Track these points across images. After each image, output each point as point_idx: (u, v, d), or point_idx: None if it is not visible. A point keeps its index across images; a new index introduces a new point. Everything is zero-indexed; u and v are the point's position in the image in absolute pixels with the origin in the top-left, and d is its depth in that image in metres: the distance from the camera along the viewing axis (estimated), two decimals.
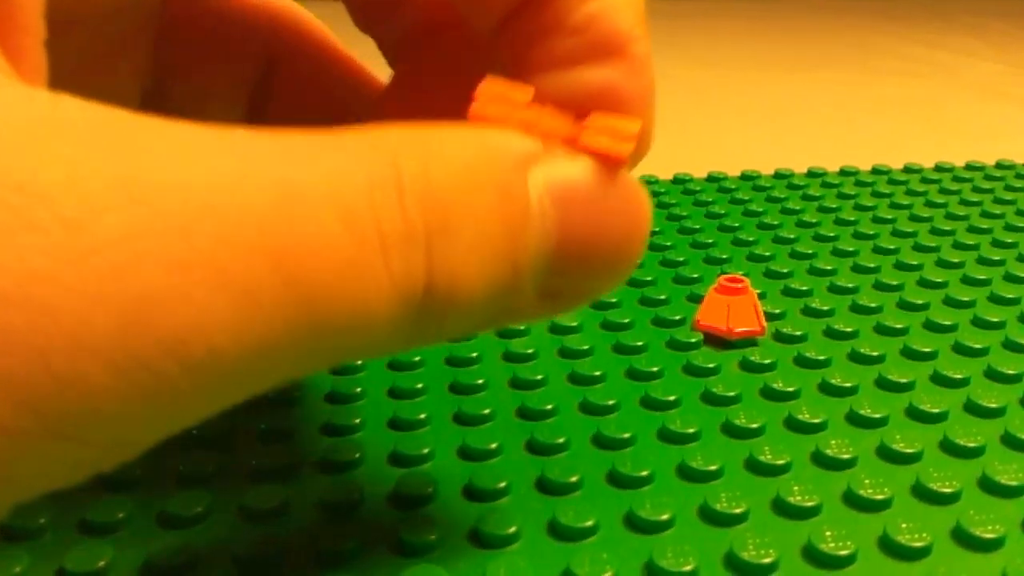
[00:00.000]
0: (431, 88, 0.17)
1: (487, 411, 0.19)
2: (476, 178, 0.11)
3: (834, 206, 0.32)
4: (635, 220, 0.12)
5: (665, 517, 0.16)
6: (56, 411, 0.08)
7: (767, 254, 0.28)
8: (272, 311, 0.09)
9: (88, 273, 0.08)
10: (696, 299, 0.25)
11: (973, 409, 0.19)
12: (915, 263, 0.27)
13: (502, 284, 0.11)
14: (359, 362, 0.21)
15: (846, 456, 0.17)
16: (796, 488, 0.16)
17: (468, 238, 0.11)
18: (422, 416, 0.19)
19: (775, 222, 0.31)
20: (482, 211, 0.11)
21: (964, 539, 0.15)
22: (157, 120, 0.09)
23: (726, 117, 0.51)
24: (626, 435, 0.18)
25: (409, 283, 0.10)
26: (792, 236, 0.29)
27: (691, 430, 0.18)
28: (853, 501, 0.16)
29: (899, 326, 0.23)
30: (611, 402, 0.19)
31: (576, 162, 0.12)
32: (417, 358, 0.21)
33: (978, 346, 0.22)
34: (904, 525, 0.15)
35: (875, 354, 0.21)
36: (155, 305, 0.08)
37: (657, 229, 0.30)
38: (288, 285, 0.09)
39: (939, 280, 0.26)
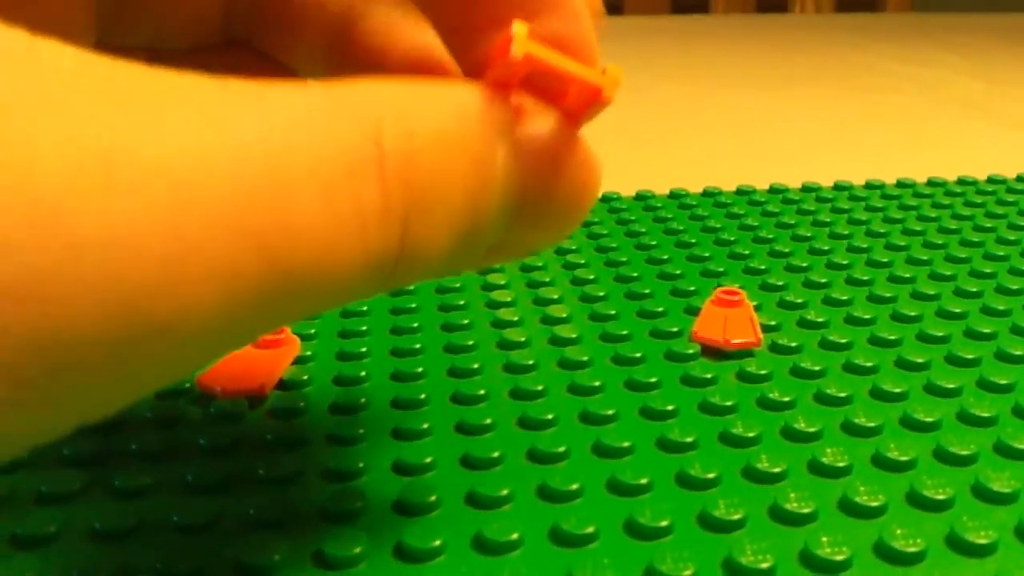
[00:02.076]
0: None
1: (489, 421, 0.19)
2: (453, 150, 0.11)
3: (828, 220, 0.33)
4: (587, 181, 0.13)
5: (664, 524, 0.16)
6: (38, 384, 0.08)
7: (763, 267, 0.28)
8: (254, 288, 0.09)
9: (76, 268, 0.08)
10: (693, 311, 0.25)
11: (966, 418, 0.20)
12: (908, 276, 0.27)
13: (464, 246, 0.12)
14: (363, 373, 0.22)
15: (841, 464, 0.18)
16: (793, 495, 0.17)
17: (441, 213, 0.11)
18: (425, 426, 0.19)
19: (770, 236, 0.31)
20: (456, 185, 0.11)
21: (958, 545, 0.16)
22: (134, 72, 0.09)
23: (720, 134, 0.52)
24: (626, 444, 0.18)
25: (383, 255, 0.11)
26: (787, 250, 0.30)
27: (689, 439, 0.19)
28: (849, 508, 0.17)
29: (893, 337, 0.23)
30: (610, 412, 0.20)
31: (541, 122, 0.12)
32: (419, 369, 0.22)
33: (971, 357, 0.22)
34: (899, 531, 0.16)
35: (869, 365, 0.22)
36: (148, 297, 0.08)
37: (654, 243, 0.31)
38: (270, 264, 0.09)
39: (932, 292, 0.26)
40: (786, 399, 0.20)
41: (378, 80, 0.11)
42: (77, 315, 0.08)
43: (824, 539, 0.16)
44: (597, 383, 0.21)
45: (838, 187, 0.37)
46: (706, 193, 0.36)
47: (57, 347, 0.08)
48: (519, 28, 0.11)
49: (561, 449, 0.18)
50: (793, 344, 0.23)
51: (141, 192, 0.08)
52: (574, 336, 0.23)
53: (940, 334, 0.23)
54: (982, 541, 0.16)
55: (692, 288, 0.27)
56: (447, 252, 0.12)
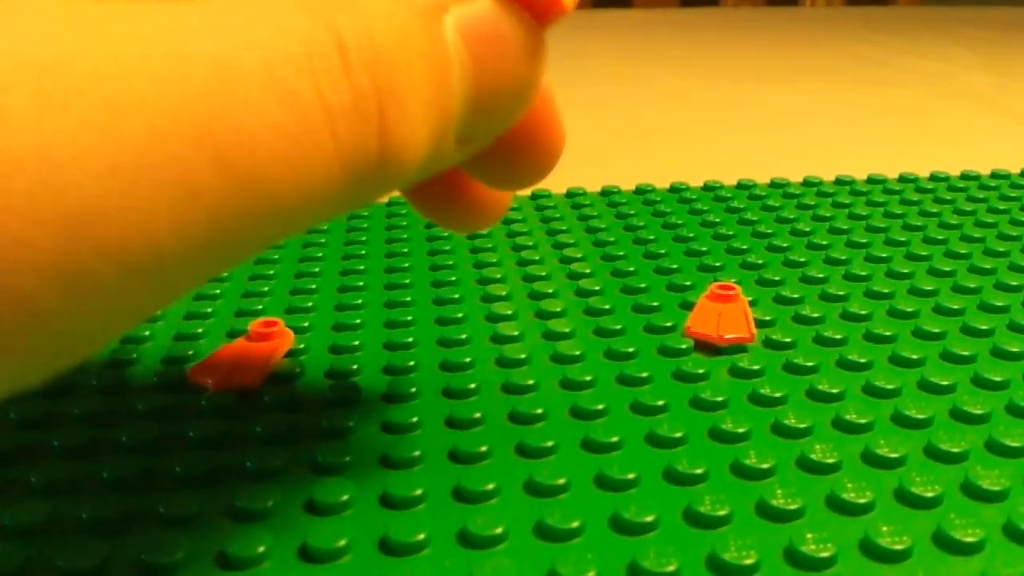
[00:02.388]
0: None
1: (478, 415, 0.19)
2: (410, 35, 0.11)
3: (828, 215, 0.33)
4: (536, 49, 0.12)
5: (649, 519, 0.16)
6: None
7: (760, 262, 0.28)
8: (215, 204, 0.09)
9: (17, 192, 0.08)
10: (688, 306, 0.25)
11: (959, 415, 0.20)
12: (907, 271, 0.27)
13: (439, 139, 0.11)
14: (355, 367, 0.22)
15: (830, 460, 0.18)
16: (780, 491, 0.17)
17: (415, 104, 0.10)
18: (414, 420, 0.19)
19: (769, 231, 0.31)
20: (419, 69, 0.11)
21: (945, 543, 0.16)
22: None
23: (722, 127, 0.52)
24: (614, 439, 0.18)
25: (361, 154, 0.10)
26: (785, 245, 0.30)
27: (678, 434, 0.19)
28: (836, 504, 0.17)
29: (888, 334, 0.23)
30: (600, 407, 0.20)
31: (489, 11, 0.12)
32: (411, 363, 0.22)
33: (966, 353, 0.22)
34: (885, 528, 0.16)
35: (863, 361, 0.22)
36: (92, 216, 0.08)
37: (652, 237, 0.31)
38: (230, 176, 0.09)
39: (930, 288, 0.26)
40: (777, 395, 0.20)
41: None
42: (15, 237, 0.08)
43: (809, 536, 0.15)
44: (588, 378, 0.21)
45: (839, 182, 0.37)
46: (706, 187, 0.36)
47: None
48: None
49: (549, 444, 0.18)
50: (787, 340, 0.23)
51: (76, 104, 0.08)
52: (567, 330, 0.23)
53: (936, 330, 0.23)
54: (969, 539, 0.15)
55: (688, 283, 0.27)
56: (428, 146, 0.11)
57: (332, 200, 0.10)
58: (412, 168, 0.11)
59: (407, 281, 0.27)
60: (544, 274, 0.27)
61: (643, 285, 0.26)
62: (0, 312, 0.08)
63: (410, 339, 0.23)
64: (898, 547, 0.15)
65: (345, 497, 0.17)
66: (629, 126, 0.52)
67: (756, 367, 0.21)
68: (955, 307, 0.25)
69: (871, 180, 0.37)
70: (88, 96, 0.08)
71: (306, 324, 0.24)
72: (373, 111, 0.10)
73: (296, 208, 0.10)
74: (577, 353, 0.22)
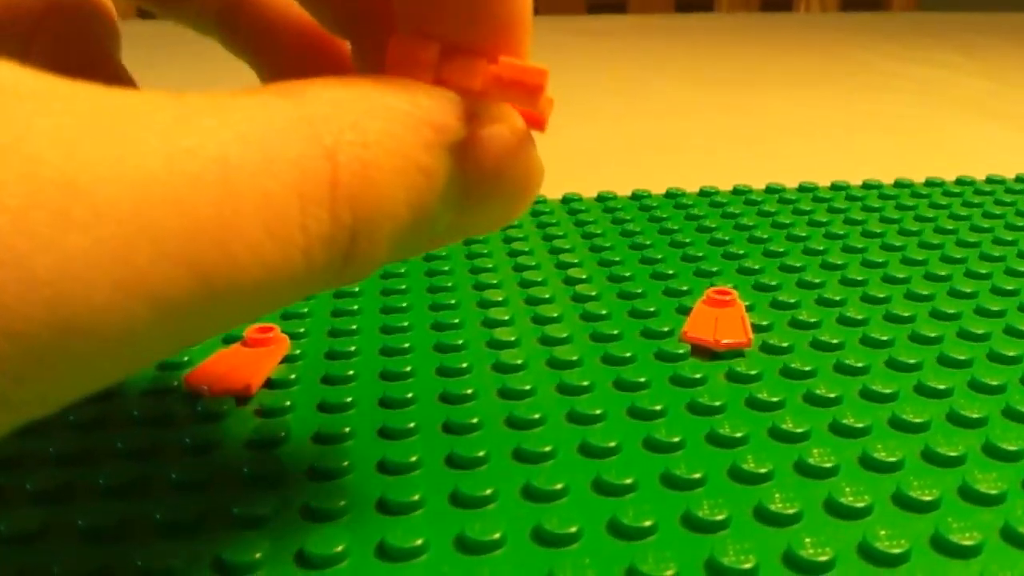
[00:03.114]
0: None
1: (476, 420, 0.19)
2: (405, 165, 0.11)
3: (824, 220, 0.33)
4: (529, 179, 0.14)
5: (648, 524, 0.16)
6: None
7: (756, 267, 0.28)
8: (188, 308, 0.10)
9: (25, 297, 0.08)
10: (685, 311, 0.25)
11: (955, 419, 0.20)
12: (903, 276, 0.27)
13: (408, 246, 0.13)
14: (351, 372, 0.22)
15: (828, 465, 0.18)
16: (778, 496, 0.17)
17: (388, 227, 0.11)
18: (411, 425, 0.19)
19: (765, 236, 0.31)
20: (402, 199, 0.11)
21: (942, 546, 0.16)
22: (92, 93, 0.09)
23: (717, 133, 0.52)
24: (612, 444, 0.18)
25: (326, 271, 0.11)
26: (782, 250, 0.30)
27: (675, 439, 0.19)
28: (833, 509, 0.17)
29: (885, 338, 0.23)
30: (598, 411, 0.20)
31: (491, 128, 0.13)
32: (408, 368, 0.22)
33: (963, 358, 0.22)
34: (883, 532, 0.16)
35: (860, 365, 0.22)
36: (86, 318, 0.09)
37: (648, 242, 0.31)
38: (210, 291, 0.10)
39: (926, 293, 0.26)
40: (775, 399, 0.20)
41: (335, 85, 0.11)
42: (22, 327, 0.08)
43: (807, 540, 0.15)
44: (586, 383, 0.21)
45: (835, 187, 0.37)
46: (702, 193, 0.36)
47: (7, 348, 0.08)
48: (394, 49, 0.12)
49: (547, 449, 0.18)
50: (784, 344, 0.23)
51: (94, 228, 0.09)
52: (564, 335, 0.23)
53: (933, 335, 0.23)
54: (967, 542, 0.15)
55: (685, 288, 0.27)
56: (391, 256, 0.12)
57: (289, 300, 0.11)
58: (371, 271, 0.12)
59: (403, 287, 0.27)
60: (540, 279, 0.27)
61: (640, 290, 0.26)
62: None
63: (407, 344, 0.23)
64: (896, 551, 0.15)
65: (342, 503, 0.17)
66: (624, 132, 0.52)
67: (753, 372, 0.21)
68: (951, 311, 0.25)
69: (866, 185, 0.37)
70: (105, 218, 0.09)
71: (302, 330, 0.24)
72: (346, 240, 0.11)
73: (254, 308, 0.11)
74: (574, 358, 0.22)
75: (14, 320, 0.08)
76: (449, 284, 0.27)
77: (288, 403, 0.20)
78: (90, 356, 0.09)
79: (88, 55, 0.17)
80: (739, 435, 0.19)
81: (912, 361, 0.22)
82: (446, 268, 0.28)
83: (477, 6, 0.13)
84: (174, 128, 0.09)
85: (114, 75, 0.18)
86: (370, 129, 0.11)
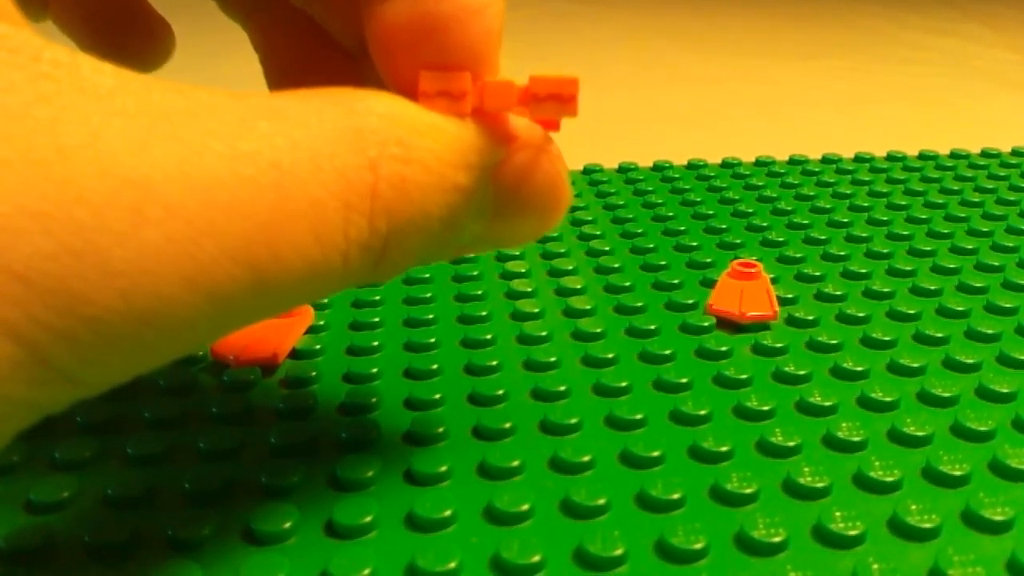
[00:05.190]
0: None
1: (501, 392, 0.19)
2: (442, 183, 0.12)
3: (848, 192, 0.32)
4: (557, 191, 0.14)
5: (676, 497, 0.16)
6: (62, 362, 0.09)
7: (781, 240, 0.28)
8: (237, 298, 0.10)
9: (105, 285, 0.09)
10: (709, 284, 0.25)
11: (985, 394, 0.19)
12: (929, 249, 0.27)
13: (435, 253, 0.13)
14: (375, 343, 0.22)
15: (857, 439, 0.18)
16: (807, 469, 0.17)
17: (418, 238, 0.12)
18: (437, 397, 0.19)
19: (789, 208, 0.31)
20: (435, 214, 0.12)
21: (973, 521, 0.16)
22: (163, 90, 0.10)
23: (738, 104, 0.51)
24: (638, 416, 0.18)
25: (359, 273, 0.12)
26: (806, 222, 0.29)
27: (703, 412, 0.18)
28: (863, 483, 0.17)
29: (912, 311, 0.23)
30: (624, 384, 0.20)
31: (523, 149, 0.14)
32: (433, 339, 0.22)
33: (991, 332, 0.22)
34: (914, 507, 0.16)
35: (887, 339, 0.22)
36: (153, 304, 0.09)
37: (671, 214, 0.30)
38: (260, 287, 0.10)
39: (952, 266, 0.26)
40: (802, 372, 0.20)
41: (388, 100, 0.12)
42: (98, 314, 0.09)
43: (837, 514, 0.15)
44: (611, 355, 0.21)
45: (859, 159, 0.37)
46: (724, 164, 0.36)
47: (83, 332, 0.09)
48: (426, 82, 0.13)
49: (573, 421, 0.18)
50: (810, 317, 0.23)
51: (165, 225, 0.09)
52: (588, 308, 0.23)
53: (960, 308, 0.23)
54: (999, 517, 0.15)
55: (709, 260, 0.26)
56: (419, 263, 0.13)
57: (322, 295, 0.12)
58: (398, 274, 0.13)
59: None
60: (563, 251, 0.27)
61: (663, 262, 0.26)
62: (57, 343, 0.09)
63: (431, 316, 0.23)
64: (927, 525, 0.15)
65: (370, 473, 0.17)
66: (645, 103, 0.51)
67: (779, 345, 0.21)
68: (978, 285, 0.24)
69: (890, 157, 0.37)
70: (175, 217, 0.09)
71: (326, 301, 0.24)
72: (379, 247, 0.12)
73: (294, 301, 0.12)
74: (599, 330, 0.22)
75: (92, 307, 0.09)
76: (472, 256, 0.27)
77: (314, 373, 0.20)
78: (152, 342, 0.10)
79: None
80: (766, 408, 0.19)
81: (940, 335, 0.22)
82: None
83: (453, 36, 0.13)
84: (235, 131, 0.10)
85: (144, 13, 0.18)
86: (414, 146, 0.12)
